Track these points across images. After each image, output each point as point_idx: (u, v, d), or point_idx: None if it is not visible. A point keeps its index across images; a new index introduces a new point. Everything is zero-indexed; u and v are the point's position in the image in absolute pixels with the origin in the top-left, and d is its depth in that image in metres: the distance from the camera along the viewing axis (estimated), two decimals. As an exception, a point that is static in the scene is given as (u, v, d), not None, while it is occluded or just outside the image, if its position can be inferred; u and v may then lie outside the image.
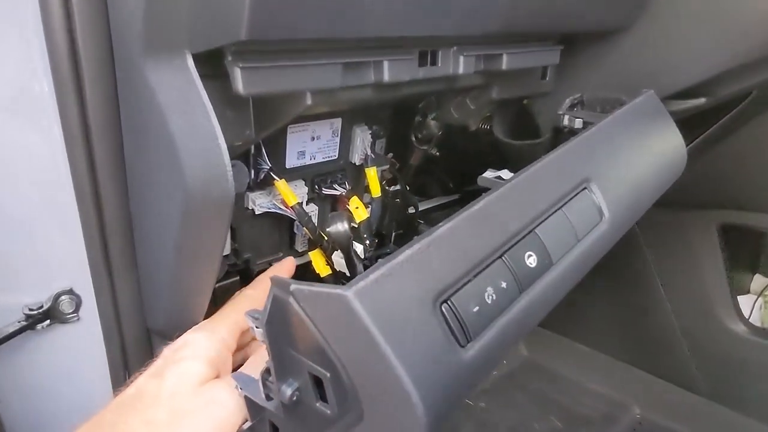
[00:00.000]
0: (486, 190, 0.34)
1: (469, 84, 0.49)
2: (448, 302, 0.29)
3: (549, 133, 0.55)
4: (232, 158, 0.39)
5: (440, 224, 0.31)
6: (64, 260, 0.42)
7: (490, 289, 0.30)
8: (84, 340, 0.46)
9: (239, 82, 0.33)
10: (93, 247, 0.42)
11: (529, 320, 0.33)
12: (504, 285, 0.31)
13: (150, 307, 0.45)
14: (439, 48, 0.43)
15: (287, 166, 0.59)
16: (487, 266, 0.31)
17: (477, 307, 0.29)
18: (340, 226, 0.48)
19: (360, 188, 0.69)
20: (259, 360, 0.40)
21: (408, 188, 0.84)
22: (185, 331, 0.42)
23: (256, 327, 0.31)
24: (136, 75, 0.34)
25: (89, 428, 0.34)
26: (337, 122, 0.61)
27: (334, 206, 0.66)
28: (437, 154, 0.78)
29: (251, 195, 0.57)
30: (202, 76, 0.34)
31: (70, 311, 0.44)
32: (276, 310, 0.29)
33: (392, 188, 0.74)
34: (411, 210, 0.80)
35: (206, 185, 0.34)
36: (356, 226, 0.62)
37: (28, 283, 0.42)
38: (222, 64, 0.35)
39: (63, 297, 0.44)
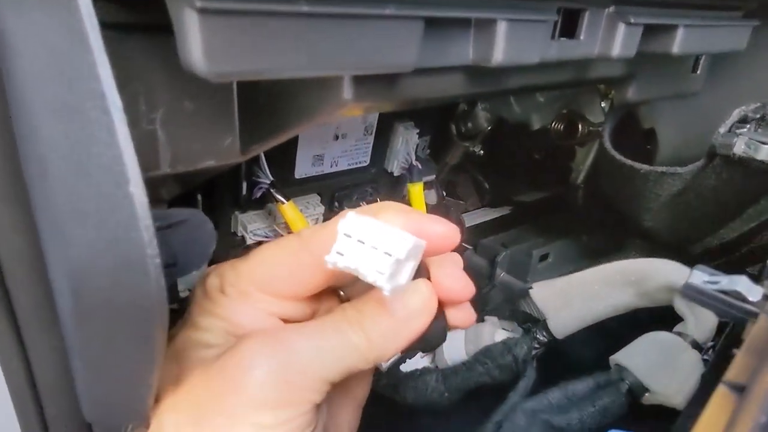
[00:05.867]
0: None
1: (603, 75, 0.30)
2: None
3: (703, 158, 0.36)
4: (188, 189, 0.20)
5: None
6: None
7: None
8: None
9: (196, 45, 0.14)
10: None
11: None
12: None
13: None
14: (586, 7, 0.24)
15: (297, 176, 0.40)
16: None
17: None
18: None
19: (396, 207, 0.50)
20: None
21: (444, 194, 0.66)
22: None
23: None
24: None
25: None
26: (373, 117, 0.42)
27: (358, 232, 0.48)
28: (481, 153, 0.61)
29: (241, 217, 0.39)
30: (122, 26, 0.15)
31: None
32: None
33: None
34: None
35: (101, 274, 0.15)
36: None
37: None
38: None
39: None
